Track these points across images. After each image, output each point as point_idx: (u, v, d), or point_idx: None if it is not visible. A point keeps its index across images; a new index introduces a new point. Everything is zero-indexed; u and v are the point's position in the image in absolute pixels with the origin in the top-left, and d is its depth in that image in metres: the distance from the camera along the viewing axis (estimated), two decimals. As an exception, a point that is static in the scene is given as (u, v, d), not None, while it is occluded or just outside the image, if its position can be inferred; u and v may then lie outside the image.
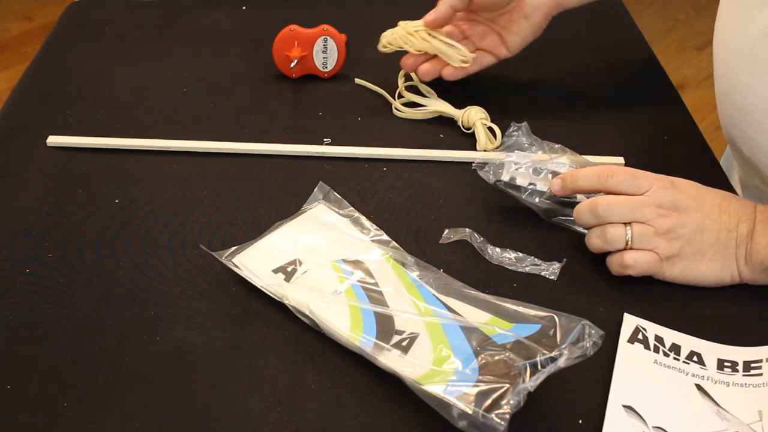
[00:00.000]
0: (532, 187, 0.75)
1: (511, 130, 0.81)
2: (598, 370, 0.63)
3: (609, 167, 0.71)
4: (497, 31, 0.92)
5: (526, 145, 0.80)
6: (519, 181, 0.76)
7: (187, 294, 0.69)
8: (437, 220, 0.77)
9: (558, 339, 0.60)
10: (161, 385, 0.62)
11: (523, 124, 0.81)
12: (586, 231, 0.73)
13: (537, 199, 0.75)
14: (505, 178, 0.76)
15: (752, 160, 0.79)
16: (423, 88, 0.92)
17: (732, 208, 0.69)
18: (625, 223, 0.69)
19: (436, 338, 0.62)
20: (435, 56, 0.91)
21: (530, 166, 0.77)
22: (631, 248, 0.69)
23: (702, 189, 0.71)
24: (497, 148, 0.84)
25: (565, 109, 0.93)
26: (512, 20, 0.90)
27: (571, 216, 0.74)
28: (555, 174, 0.76)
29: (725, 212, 0.69)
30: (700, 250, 0.68)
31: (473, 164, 0.78)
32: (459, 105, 0.91)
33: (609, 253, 0.70)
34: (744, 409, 0.60)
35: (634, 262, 0.68)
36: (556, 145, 0.79)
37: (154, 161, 0.84)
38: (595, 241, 0.70)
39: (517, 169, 0.77)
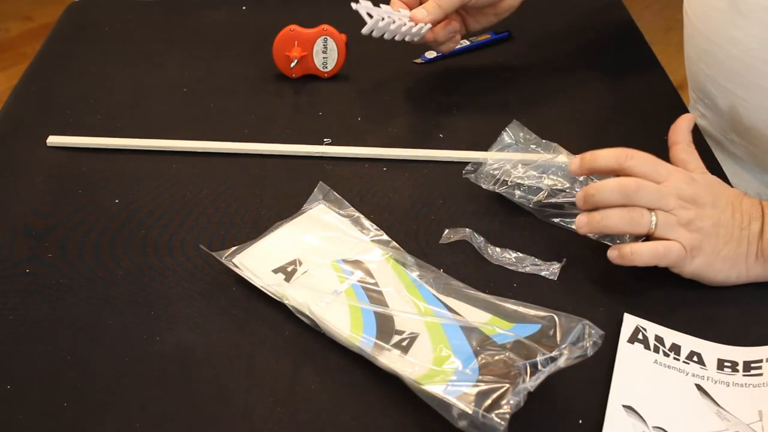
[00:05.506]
0: (529, 183, 0.75)
1: (504, 131, 0.81)
2: (598, 370, 0.63)
3: (628, 149, 0.69)
4: (463, 16, 0.94)
5: (520, 144, 0.80)
6: (511, 182, 0.76)
7: (187, 294, 0.69)
8: (437, 220, 0.77)
9: (558, 339, 0.60)
10: (161, 385, 0.62)
11: (514, 122, 0.81)
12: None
13: (529, 199, 0.75)
14: (498, 177, 0.76)
15: (730, 114, 0.81)
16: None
17: (743, 206, 0.70)
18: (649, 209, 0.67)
19: (436, 338, 0.62)
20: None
21: (524, 165, 0.77)
22: (653, 235, 0.67)
23: (717, 186, 0.71)
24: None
25: (564, 109, 0.93)
26: (482, 13, 0.93)
27: (569, 217, 0.74)
28: (549, 172, 0.76)
29: (738, 210, 0.69)
30: (716, 246, 0.68)
31: (463, 172, 0.78)
32: (458, 105, 0.91)
33: (606, 244, 0.70)
34: (744, 409, 0.60)
35: (666, 251, 0.67)
36: (552, 144, 0.79)
37: (154, 161, 0.84)
38: (615, 221, 0.68)
39: (510, 169, 0.77)
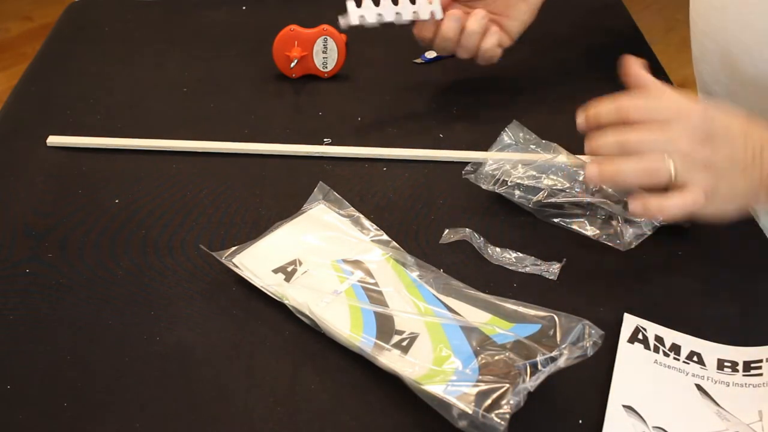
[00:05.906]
0: (529, 183, 0.76)
1: (504, 132, 0.81)
2: (598, 370, 0.63)
3: (626, 101, 0.67)
4: (495, 19, 0.91)
5: (520, 145, 0.80)
6: (511, 182, 0.76)
7: (187, 294, 0.69)
8: (437, 220, 0.77)
9: (558, 339, 0.60)
10: (161, 385, 0.62)
11: (514, 122, 0.81)
12: (584, 231, 0.73)
13: (529, 199, 0.75)
14: (498, 177, 0.76)
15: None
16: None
17: (755, 133, 0.66)
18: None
19: (436, 338, 0.62)
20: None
21: (524, 166, 0.77)
22: (673, 183, 0.63)
23: (728, 116, 0.67)
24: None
25: (565, 109, 0.92)
26: (509, 5, 0.90)
27: (569, 217, 0.74)
28: (548, 172, 0.76)
29: (750, 138, 0.66)
30: (732, 182, 0.65)
31: (463, 172, 0.78)
32: (458, 105, 0.91)
33: (606, 244, 0.70)
34: (744, 409, 0.60)
35: (694, 204, 0.63)
36: (552, 144, 0.79)
37: (154, 161, 0.84)
38: (630, 176, 0.64)
39: (510, 169, 0.77)
